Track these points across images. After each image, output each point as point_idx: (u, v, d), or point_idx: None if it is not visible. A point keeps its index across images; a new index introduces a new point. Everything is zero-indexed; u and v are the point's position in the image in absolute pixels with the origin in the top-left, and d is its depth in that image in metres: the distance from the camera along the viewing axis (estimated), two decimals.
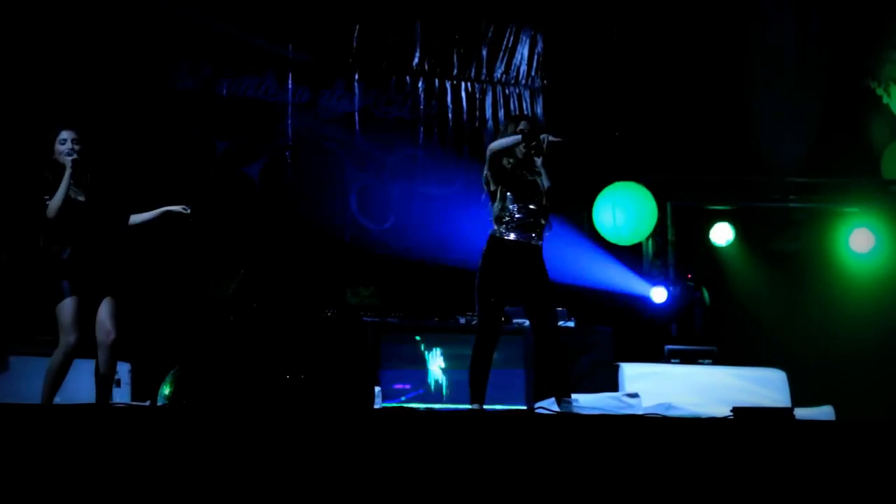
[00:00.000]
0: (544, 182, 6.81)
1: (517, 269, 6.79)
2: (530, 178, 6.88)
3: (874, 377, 10.00)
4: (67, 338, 6.47)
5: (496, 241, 6.85)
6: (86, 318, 6.56)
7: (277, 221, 10.16)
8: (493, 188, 6.92)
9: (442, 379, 9.03)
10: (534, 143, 6.79)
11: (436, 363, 9.08)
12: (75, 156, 6.52)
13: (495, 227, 6.87)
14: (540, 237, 6.86)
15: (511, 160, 6.90)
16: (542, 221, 6.86)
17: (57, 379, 6.52)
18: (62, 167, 6.54)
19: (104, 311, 6.59)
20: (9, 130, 8.85)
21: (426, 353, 9.06)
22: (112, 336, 6.57)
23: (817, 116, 11.10)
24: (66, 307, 6.47)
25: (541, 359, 6.90)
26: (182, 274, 9.42)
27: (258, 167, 10.27)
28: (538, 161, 6.81)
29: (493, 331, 6.82)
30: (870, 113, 11.12)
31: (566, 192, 6.97)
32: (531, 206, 6.83)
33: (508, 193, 6.86)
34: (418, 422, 5.43)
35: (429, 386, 8.99)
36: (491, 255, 6.86)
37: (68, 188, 6.51)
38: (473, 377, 6.78)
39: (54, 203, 6.49)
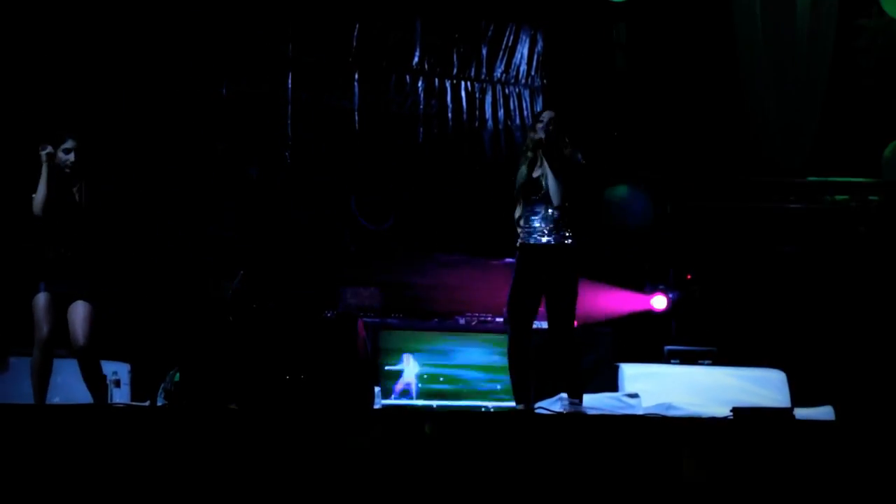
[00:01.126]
0: (549, 183, 6.83)
1: (543, 271, 6.84)
2: (536, 175, 6.91)
3: (874, 377, 9.98)
4: (39, 331, 6.58)
5: (521, 247, 6.94)
6: (61, 316, 6.61)
7: (277, 221, 10.16)
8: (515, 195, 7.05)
9: (441, 379, 9.03)
10: (534, 141, 6.86)
11: (435, 363, 9.08)
12: (49, 149, 6.57)
13: (520, 233, 6.96)
14: (561, 235, 6.88)
15: (524, 164, 6.99)
16: (559, 220, 6.87)
17: (41, 374, 6.57)
18: (57, 169, 6.61)
19: (75, 317, 6.61)
20: (10, 131, 8.85)
21: (426, 353, 9.06)
22: (80, 344, 6.59)
23: (817, 116, 11.09)
24: (38, 301, 6.59)
25: (553, 357, 6.96)
26: (182, 274, 9.41)
27: (258, 167, 10.26)
28: (542, 158, 6.85)
29: (524, 331, 6.90)
30: (870, 112, 11.12)
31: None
32: (543, 208, 6.86)
33: (521, 198, 6.94)
34: (418, 422, 5.43)
35: (428, 387, 8.99)
36: (519, 261, 6.96)
37: (48, 184, 6.56)
38: (512, 377, 6.94)
39: (37, 199, 6.56)
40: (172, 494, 4.82)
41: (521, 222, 6.98)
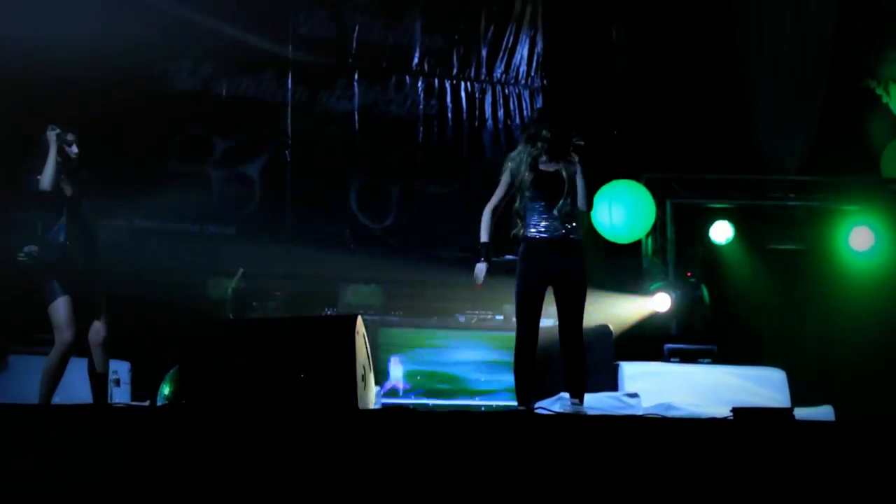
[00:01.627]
0: (579, 195, 6.77)
1: (551, 266, 6.74)
2: (552, 170, 6.82)
3: (874, 377, 10.00)
4: (63, 336, 6.54)
5: (527, 242, 6.79)
6: (79, 314, 6.61)
7: (277, 220, 10.17)
8: (514, 190, 6.91)
9: (441, 378, 9.03)
10: (574, 144, 6.80)
11: (435, 361, 9.09)
12: (58, 130, 6.60)
13: (523, 227, 6.84)
14: (571, 230, 6.79)
15: (531, 155, 6.89)
16: (570, 214, 6.79)
17: (55, 377, 6.58)
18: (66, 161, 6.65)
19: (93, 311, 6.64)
20: (7, 129, 8.85)
21: (426, 352, 9.06)
22: (103, 335, 6.64)
23: (817, 116, 11.10)
24: (59, 306, 6.54)
25: (559, 355, 6.91)
26: (182, 273, 9.42)
27: (258, 166, 10.27)
28: (575, 167, 6.79)
29: (532, 331, 6.74)
30: (869, 112, 11.12)
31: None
32: (557, 202, 6.76)
33: (528, 192, 6.82)
34: (418, 422, 5.43)
35: (428, 385, 8.99)
36: (525, 256, 6.78)
37: (56, 162, 6.56)
38: (517, 379, 6.76)
39: (46, 174, 6.56)
40: (172, 495, 4.82)
41: (527, 216, 6.80)
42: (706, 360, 9.60)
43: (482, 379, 9.10)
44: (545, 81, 11.18)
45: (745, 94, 11.14)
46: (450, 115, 10.90)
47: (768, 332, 10.55)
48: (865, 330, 10.25)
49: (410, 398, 8.85)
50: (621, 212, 10.15)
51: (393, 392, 8.82)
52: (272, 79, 10.28)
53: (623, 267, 10.69)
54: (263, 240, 9.94)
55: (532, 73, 11.19)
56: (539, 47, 11.20)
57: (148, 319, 8.84)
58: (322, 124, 10.45)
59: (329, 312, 9.03)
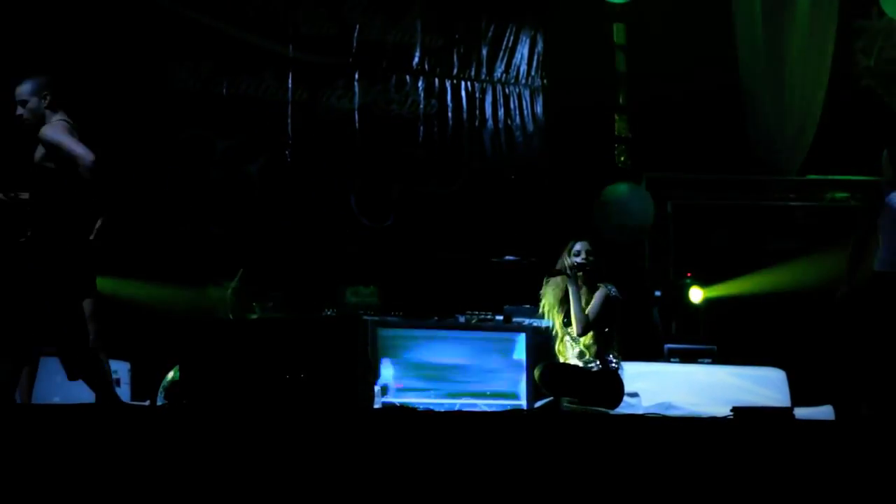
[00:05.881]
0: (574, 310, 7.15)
1: None
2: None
3: (873, 375, 9.97)
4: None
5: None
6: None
7: (277, 220, 10.17)
8: None
9: (441, 377, 9.02)
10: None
11: (434, 361, 9.08)
12: None
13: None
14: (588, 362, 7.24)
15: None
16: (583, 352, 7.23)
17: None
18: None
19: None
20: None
21: (426, 352, 9.05)
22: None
23: (817, 116, 11.09)
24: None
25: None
26: (182, 273, 9.42)
27: (258, 166, 10.27)
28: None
29: None
30: (870, 112, 11.12)
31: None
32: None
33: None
34: (418, 421, 5.44)
35: (427, 386, 8.98)
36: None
37: None
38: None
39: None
40: (173, 494, 4.82)
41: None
42: (706, 360, 9.61)
43: (482, 379, 9.09)
44: (545, 81, 11.18)
45: (745, 94, 11.13)
46: (450, 114, 10.89)
47: (768, 332, 10.53)
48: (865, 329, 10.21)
49: (409, 398, 8.83)
50: (622, 211, 10.18)
51: (383, 390, 8.83)
52: (272, 78, 10.28)
53: (623, 267, 10.68)
54: (263, 240, 9.95)
55: (532, 73, 11.18)
56: (539, 47, 11.19)
57: (148, 319, 8.85)
58: (322, 124, 10.45)
59: (329, 313, 9.02)
